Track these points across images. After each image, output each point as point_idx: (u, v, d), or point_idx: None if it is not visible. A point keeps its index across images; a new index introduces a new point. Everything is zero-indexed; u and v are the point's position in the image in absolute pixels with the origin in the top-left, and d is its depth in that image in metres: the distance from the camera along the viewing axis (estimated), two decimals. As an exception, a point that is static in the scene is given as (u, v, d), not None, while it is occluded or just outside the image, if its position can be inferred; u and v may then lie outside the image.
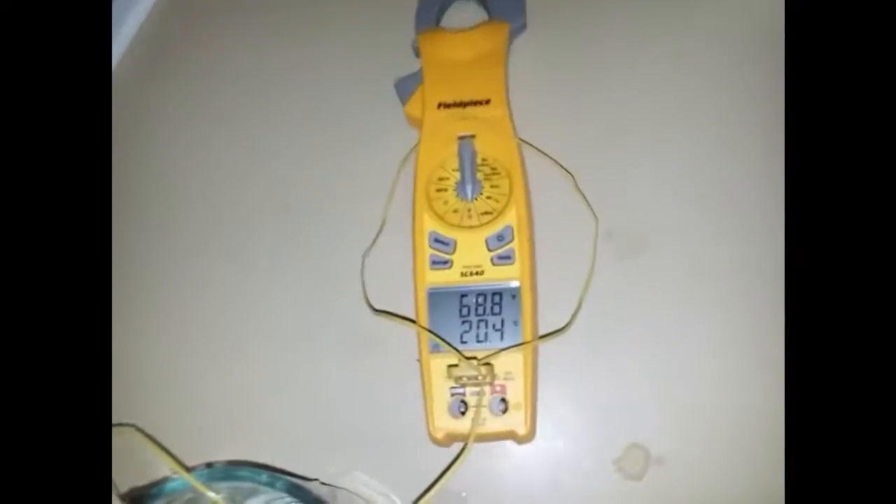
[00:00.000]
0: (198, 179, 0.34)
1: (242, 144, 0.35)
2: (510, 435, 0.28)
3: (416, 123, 0.32)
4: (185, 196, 0.34)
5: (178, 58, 0.37)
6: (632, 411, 0.29)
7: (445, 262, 0.29)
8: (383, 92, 0.33)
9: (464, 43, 0.32)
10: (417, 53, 0.33)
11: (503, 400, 0.28)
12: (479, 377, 0.27)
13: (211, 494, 0.25)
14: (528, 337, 0.28)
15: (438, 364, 0.28)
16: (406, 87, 0.33)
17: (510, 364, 0.28)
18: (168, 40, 0.37)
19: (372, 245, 0.32)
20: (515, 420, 0.28)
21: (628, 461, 0.29)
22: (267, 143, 0.35)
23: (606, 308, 0.30)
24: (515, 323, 0.28)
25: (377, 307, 0.31)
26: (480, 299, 0.29)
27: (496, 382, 0.28)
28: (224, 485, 0.25)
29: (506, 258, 0.29)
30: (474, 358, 0.28)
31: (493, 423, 0.28)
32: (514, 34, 0.33)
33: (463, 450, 0.27)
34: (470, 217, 0.30)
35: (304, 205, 0.33)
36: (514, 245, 0.29)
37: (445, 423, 0.28)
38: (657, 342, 0.30)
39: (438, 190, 0.30)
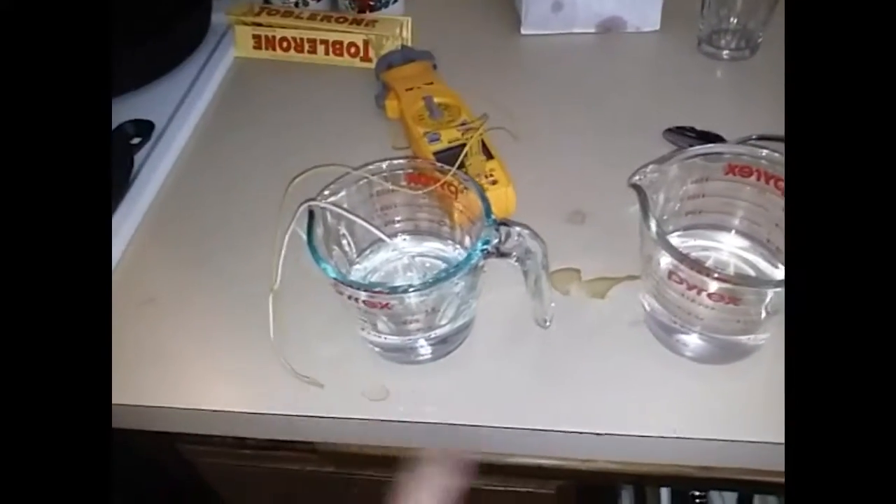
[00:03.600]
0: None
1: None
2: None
3: (395, 110, 0.57)
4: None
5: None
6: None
7: (437, 138, 0.52)
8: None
9: (407, 69, 0.60)
10: (382, 82, 0.60)
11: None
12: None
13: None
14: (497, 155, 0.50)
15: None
16: (379, 99, 0.59)
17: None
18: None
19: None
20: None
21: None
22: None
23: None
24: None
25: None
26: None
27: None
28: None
29: (469, 129, 0.52)
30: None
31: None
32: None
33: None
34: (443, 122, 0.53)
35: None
36: (471, 124, 0.53)
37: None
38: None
39: (421, 119, 0.54)
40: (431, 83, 0.58)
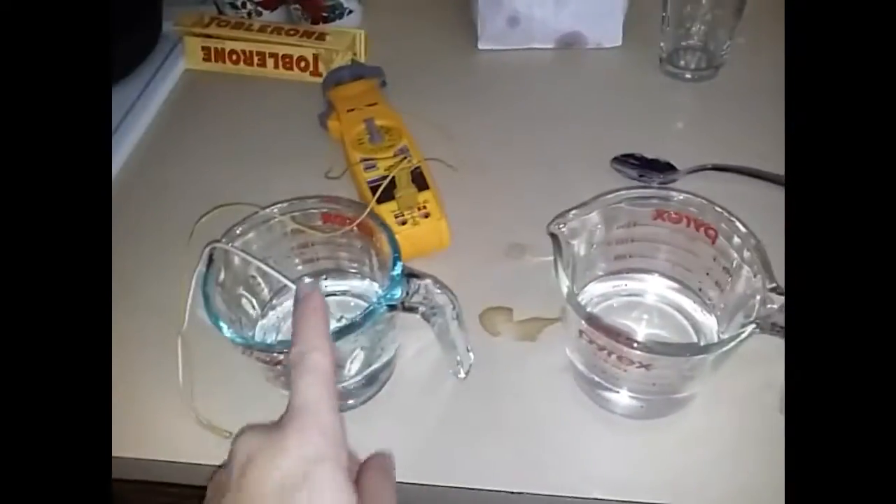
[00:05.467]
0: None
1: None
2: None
3: (338, 131, 0.55)
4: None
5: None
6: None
7: (374, 166, 0.50)
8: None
9: (352, 88, 0.57)
10: (327, 100, 0.58)
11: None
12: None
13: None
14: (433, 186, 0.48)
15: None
16: (323, 119, 0.56)
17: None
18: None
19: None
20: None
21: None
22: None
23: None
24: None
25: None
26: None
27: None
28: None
29: (406, 156, 0.50)
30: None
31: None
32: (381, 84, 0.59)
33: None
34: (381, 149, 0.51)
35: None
36: (409, 150, 0.50)
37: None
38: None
39: (360, 143, 0.52)
40: (375, 104, 0.55)
